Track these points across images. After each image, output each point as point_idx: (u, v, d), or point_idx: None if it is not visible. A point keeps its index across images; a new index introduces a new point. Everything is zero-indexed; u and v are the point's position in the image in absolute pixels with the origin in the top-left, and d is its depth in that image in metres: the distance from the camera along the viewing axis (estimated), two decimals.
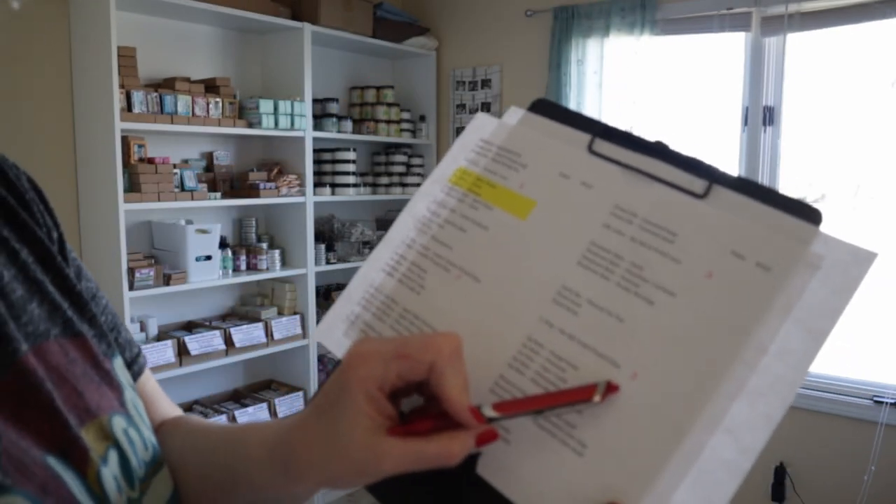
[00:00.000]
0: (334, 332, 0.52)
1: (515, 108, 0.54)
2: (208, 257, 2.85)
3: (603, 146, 0.48)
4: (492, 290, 0.48)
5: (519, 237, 0.48)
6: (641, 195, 0.45)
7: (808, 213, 0.40)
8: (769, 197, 0.42)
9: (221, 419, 2.93)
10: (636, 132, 0.48)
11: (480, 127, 0.55)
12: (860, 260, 0.38)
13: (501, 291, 0.47)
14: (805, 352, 0.38)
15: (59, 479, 0.41)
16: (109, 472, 0.45)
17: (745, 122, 3.00)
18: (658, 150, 0.46)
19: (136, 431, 0.49)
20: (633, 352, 0.41)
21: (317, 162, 3.34)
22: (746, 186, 0.43)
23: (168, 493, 0.50)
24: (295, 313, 3.23)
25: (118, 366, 0.52)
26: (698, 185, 0.44)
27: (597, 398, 0.40)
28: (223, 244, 3.01)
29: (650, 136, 0.47)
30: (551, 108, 0.52)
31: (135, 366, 0.57)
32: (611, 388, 0.41)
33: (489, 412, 0.41)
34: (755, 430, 0.37)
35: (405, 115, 3.72)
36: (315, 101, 3.30)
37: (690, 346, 0.40)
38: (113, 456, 0.46)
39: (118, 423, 0.48)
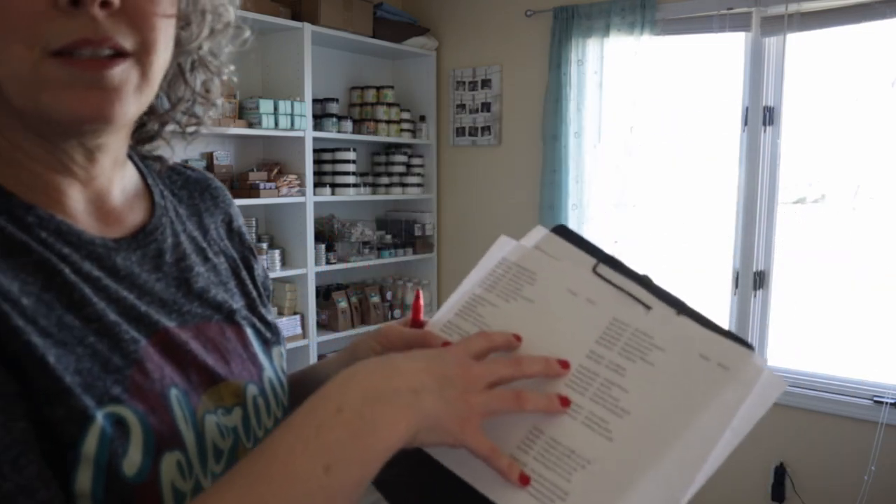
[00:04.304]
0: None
1: (539, 229, 0.65)
2: None
3: (605, 270, 0.60)
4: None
5: (537, 333, 0.58)
6: (633, 312, 0.57)
7: (746, 343, 0.54)
8: (716, 327, 0.55)
9: None
10: (628, 264, 0.60)
11: (502, 246, 0.65)
12: (777, 384, 0.52)
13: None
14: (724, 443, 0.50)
15: (168, 407, 0.51)
16: (225, 422, 0.56)
17: (745, 122, 3.00)
18: (644, 281, 0.59)
19: (265, 402, 0.61)
20: (623, 423, 0.52)
21: (317, 162, 3.34)
22: (702, 320, 0.56)
23: None
24: (295, 313, 3.22)
25: (276, 353, 0.66)
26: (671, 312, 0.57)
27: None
28: None
29: (639, 269, 0.60)
30: (567, 233, 0.64)
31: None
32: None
33: None
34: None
35: (405, 115, 3.72)
36: (315, 101, 3.30)
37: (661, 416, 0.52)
38: (237, 412, 0.58)
39: (251, 390, 0.60)
